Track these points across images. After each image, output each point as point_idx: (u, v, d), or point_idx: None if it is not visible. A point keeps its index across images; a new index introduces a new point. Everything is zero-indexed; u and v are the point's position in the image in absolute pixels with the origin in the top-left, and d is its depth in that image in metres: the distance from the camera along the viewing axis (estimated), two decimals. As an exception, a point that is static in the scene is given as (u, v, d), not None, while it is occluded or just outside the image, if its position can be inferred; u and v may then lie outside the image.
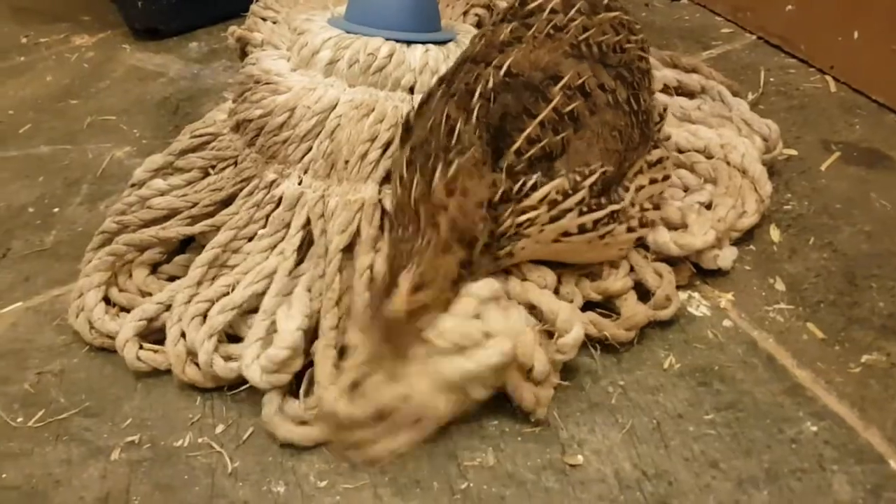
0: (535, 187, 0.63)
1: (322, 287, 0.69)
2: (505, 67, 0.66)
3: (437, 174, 0.62)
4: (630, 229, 0.68)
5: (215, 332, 0.68)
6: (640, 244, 0.73)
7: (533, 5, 0.72)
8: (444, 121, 0.65)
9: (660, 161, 0.71)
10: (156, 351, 0.71)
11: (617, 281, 0.70)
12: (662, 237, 0.72)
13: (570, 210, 0.64)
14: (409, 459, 0.63)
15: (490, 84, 0.65)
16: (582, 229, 0.65)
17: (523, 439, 0.63)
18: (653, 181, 0.71)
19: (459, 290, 0.62)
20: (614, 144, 0.66)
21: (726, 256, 0.74)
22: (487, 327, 0.62)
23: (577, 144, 0.64)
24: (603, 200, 0.65)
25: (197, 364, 0.68)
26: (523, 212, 0.63)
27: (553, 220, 0.64)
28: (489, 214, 0.62)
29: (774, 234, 0.79)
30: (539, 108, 0.64)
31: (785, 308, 0.71)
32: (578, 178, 0.64)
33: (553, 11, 0.71)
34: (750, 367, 0.67)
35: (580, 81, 0.66)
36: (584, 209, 0.64)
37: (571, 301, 0.68)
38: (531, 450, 0.63)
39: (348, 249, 0.72)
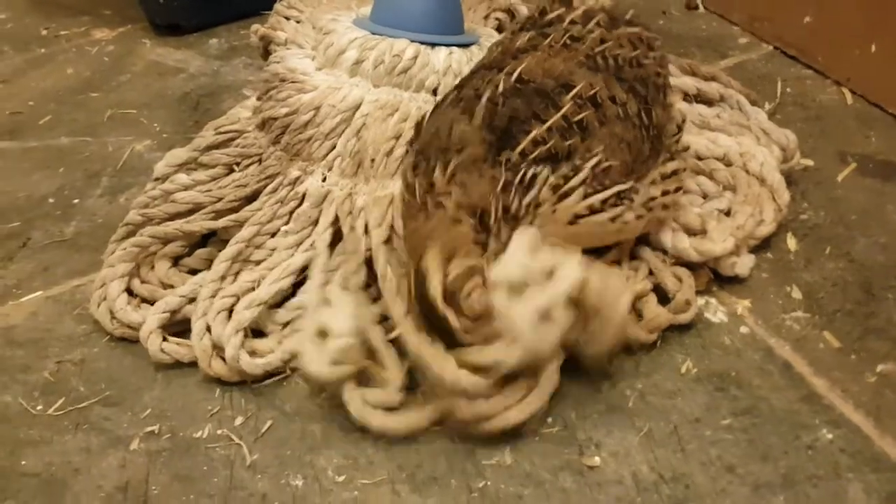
0: (534, 177, 0.64)
1: (357, 282, 0.70)
2: (516, 74, 0.66)
3: (437, 172, 0.64)
4: (639, 216, 0.69)
5: (242, 327, 0.68)
6: (660, 248, 0.74)
7: (552, 16, 0.74)
8: (446, 123, 0.66)
9: (675, 173, 0.72)
10: (179, 344, 0.71)
11: (637, 283, 0.70)
12: (682, 243, 0.72)
13: (575, 189, 0.64)
14: (427, 456, 0.63)
15: (500, 89, 0.66)
16: (592, 210, 0.66)
17: (541, 440, 0.64)
18: (665, 192, 0.71)
19: (488, 253, 0.63)
20: (622, 155, 0.66)
21: (744, 264, 0.75)
22: (546, 263, 0.62)
23: (583, 153, 0.65)
24: (608, 181, 0.66)
25: (222, 358, 0.68)
26: (527, 193, 0.64)
27: (561, 198, 0.64)
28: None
29: (791, 242, 0.79)
30: (548, 114, 0.65)
31: (801, 316, 0.72)
32: (579, 162, 0.64)
33: (572, 22, 0.72)
34: (766, 373, 0.67)
35: (592, 92, 0.66)
36: (590, 190, 0.65)
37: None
38: (548, 450, 0.63)
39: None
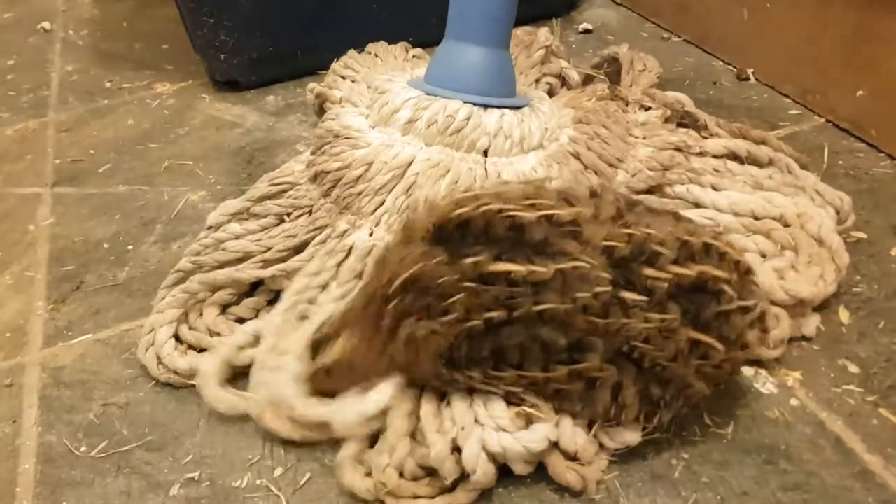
0: None
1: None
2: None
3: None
4: None
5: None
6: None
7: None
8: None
9: None
10: (237, 395, 0.71)
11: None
12: (769, 280, 0.71)
13: None
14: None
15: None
16: None
17: (583, 506, 0.62)
18: None
19: None
20: None
21: (811, 323, 0.74)
22: (528, 415, 0.63)
23: None
24: None
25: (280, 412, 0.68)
26: None
27: None
28: None
29: (843, 315, 0.78)
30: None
31: (855, 391, 0.70)
32: None
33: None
34: (818, 448, 0.65)
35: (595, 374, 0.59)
36: None
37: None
38: (591, 517, 0.62)
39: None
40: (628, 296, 0.57)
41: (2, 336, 0.84)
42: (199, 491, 0.66)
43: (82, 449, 0.70)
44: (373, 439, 0.66)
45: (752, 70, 1.20)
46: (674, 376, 0.60)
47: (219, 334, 0.76)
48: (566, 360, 0.58)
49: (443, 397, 0.65)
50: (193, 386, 0.72)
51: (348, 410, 0.64)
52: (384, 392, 0.64)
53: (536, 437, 0.61)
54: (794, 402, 0.70)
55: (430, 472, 0.63)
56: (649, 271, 0.57)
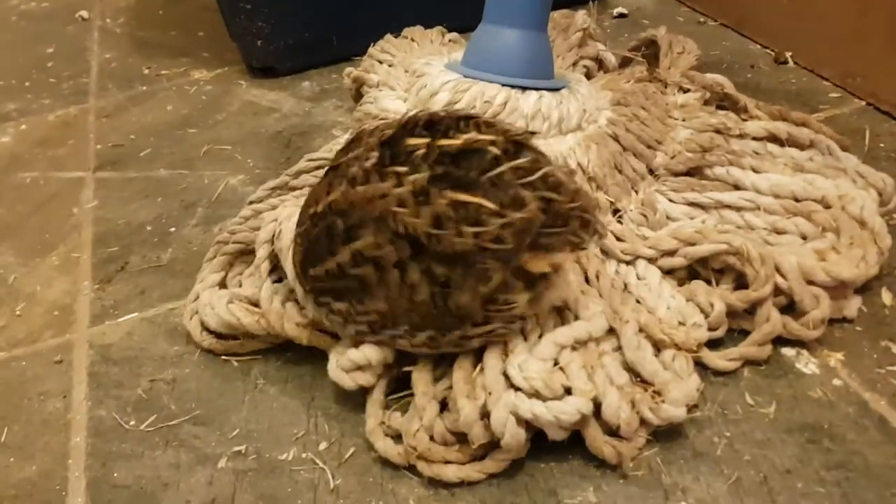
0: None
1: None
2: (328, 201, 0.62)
3: None
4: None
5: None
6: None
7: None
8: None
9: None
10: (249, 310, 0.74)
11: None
12: (809, 261, 0.71)
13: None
14: (508, 492, 0.63)
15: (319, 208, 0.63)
16: None
17: (625, 482, 0.63)
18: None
19: None
20: (405, 317, 0.63)
21: (852, 305, 0.74)
22: (568, 381, 0.63)
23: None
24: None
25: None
26: None
27: None
28: None
29: (886, 297, 0.77)
30: (328, 258, 0.62)
31: (898, 371, 0.70)
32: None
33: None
34: (861, 428, 0.65)
35: (376, 253, 0.59)
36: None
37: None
38: (633, 493, 0.62)
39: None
40: (390, 168, 0.59)
41: (50, 315, 0.86)
42: (246, 464, 0.67)
43: (131, 423, 0.72)
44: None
45: (790, 53, 1.19)
46: (455, 252, 0.58)
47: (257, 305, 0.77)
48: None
49: (476, 365, 0.66)
50: (238, 362, 0.75)
51: None
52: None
53: (569, 409, 0.61)
54: (836, 382, 0.69)
55: (462, 440, 0.64)
56: (410, 140, 0.60)
